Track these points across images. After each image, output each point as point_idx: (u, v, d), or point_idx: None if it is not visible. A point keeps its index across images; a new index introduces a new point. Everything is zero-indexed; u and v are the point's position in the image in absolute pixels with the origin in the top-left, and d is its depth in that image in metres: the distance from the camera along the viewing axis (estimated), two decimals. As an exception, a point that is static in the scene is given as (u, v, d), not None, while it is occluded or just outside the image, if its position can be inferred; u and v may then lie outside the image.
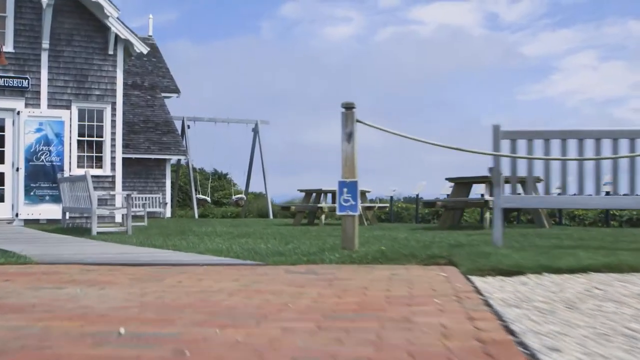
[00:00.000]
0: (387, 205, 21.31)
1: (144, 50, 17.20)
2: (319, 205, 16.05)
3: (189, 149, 26.78)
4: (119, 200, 16.48)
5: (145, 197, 25.31)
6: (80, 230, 11.31)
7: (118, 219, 16.71)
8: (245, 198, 30.94)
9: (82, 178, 10.78)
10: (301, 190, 17.40)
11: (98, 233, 10.57)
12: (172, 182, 26.91)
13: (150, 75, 27.78)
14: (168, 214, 25.79)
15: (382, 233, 10.42)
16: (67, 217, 12.91)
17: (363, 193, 17.43)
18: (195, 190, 29.21)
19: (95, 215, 10.67)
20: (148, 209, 25.02)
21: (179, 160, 27.53)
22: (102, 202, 16.68)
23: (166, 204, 25.55)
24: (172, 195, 26.87)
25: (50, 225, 13.99)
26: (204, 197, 29.66)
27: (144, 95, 26.53)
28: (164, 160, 25.71)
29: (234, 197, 30.41)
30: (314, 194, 16.87)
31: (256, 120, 30.75)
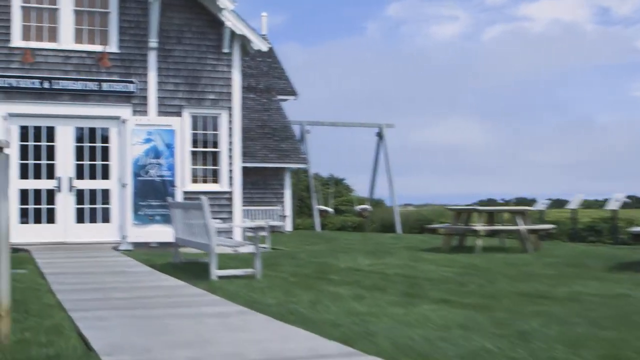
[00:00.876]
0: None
1: (264, 47, 15.36)
2: (474, 227, 13.62)
3: (308, 156, 24.89)
4: (237, 233, 14.65)
5: (264, 211, 23.66)
6: (196, 270, 9.46)
7: (235, 233, 14.91)
8: (369, 209, 28.80)
9: (198, 206, 8.88)
10: (450, 209, 15.03)
11: (219, 277, 8.65)
12: (292, 193, 25.13)
13: (266, 77, 26.16)
14: (288, 227, 24.02)
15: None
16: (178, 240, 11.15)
17: (522, 212, 14.82)
18: (316, 200, 27.33)
19: (215, 255, 8.74)
20: (268, 222, 23.34)
21: (297, 168, 25.71)
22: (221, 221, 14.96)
23: (286, 216, 23.78)
24: (292, 207, 25.08)
25: (161, 255, 12.32)
26: (325, 207, 27.76)
27: (259, 98, 24.93)
28: (283, 169, 24.00)
29: (357, 207, 28.36)
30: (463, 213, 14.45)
31: (381, 124, 28.60)
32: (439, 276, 9.90)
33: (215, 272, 8.71)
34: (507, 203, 33.59)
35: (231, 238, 14.91)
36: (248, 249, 9.11)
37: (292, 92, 26.26)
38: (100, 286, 7.93)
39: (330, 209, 28.68)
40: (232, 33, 15.11)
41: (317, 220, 26.53)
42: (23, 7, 14.07)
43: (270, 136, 23.86)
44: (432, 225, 18.71)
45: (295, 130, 25.35)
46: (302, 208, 32.25)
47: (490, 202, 36.40)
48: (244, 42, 15.36)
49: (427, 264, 11.60)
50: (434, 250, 14.70)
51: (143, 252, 13.48)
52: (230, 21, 14.95)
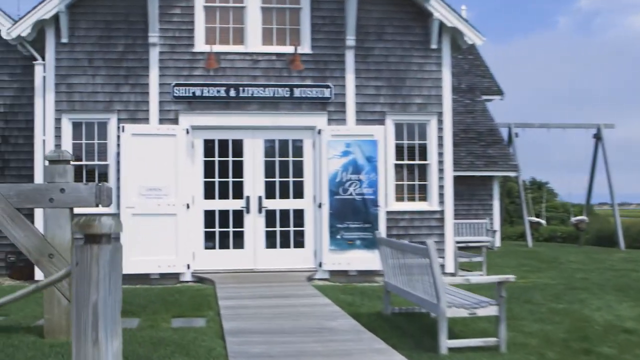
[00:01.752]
0: None
1: (479, 41, 12.92)
2: None
3: (518, 163, 21.98)
4: (449, 260, 12.35)
5: (470, 224, 21.13)
6: (415, 330, 7.29)
7: (447, 260, 12.65)
8: (586, 220, 25.24)
9: (420, 251, 6.64)
10: None
11: (450, 350, 6.41)
12: (502, 204, 22.35)
13: (468, 76, 23.59)
14: (497, 242, 21.29)
15: None
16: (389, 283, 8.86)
17: None
18: (527, 211, 24.29)
19: (445, 320, 6.49)
20: (473, 238, 20.85)
21: (505, 177, 22.84)
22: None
23: (495, 231, 21.07)
24: (500, 220, 22.30)
25: (365, 293, 10.31)
26: (537, 219, 24.65)
27: (461, 99, 22.41)
28: (491, 177, 21.31)
29: (573, 218, 24.91)
30: None
31: (598, 125, 24.96)
32: None
33: (446, 343, 6.49)
34: None
35: (442, 258, 12.64)
36: (489, 310, 6.76)
37: (498, 92, 23.48)
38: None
39: (542, 221, 25.48)
40: (441, 26, 12.84)
41: (528, 234, 23.50)
42: (206, 8, 12.73)
43: (475, 141, 21.28)
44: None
45: (502, 134, 22.53)
46: (505, 217, 29.24)
47: None
48: (455, 35, 13.03)
49: None
50: None
51: (342, 285, 11.59)
52: (439, 12, 12.69)
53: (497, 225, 21.53)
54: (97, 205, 7.27)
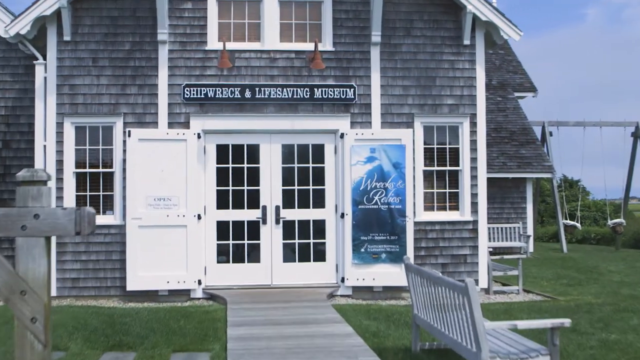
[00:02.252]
0: None
1: (516, 35, 11.88)
2: None
3: (552, 163, 20.83)
4: (482, 273, 11.38)
5: (502, 229, 20.09)
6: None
7: (481, 273, 11.68)
8: (624, 223, 24.02)
9: (459, 290, 5.62)
10: None
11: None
12: (536, 207, 21.25)
13: (499, 71, 22.48)
14: (530, 247, 20.21)
15: None
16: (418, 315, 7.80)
17: None
18: (562, 214, 23.13)
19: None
20: (505, 244, 19.79)
21: (537, 179, 21.69)
22: (457, 260, 11.90)
23: (528, 236, 19.99)
24: (533, 223, 21.20)
25: (391, 317, 9.35)
26: (572, 222, 23.48)
27: (492, 96, 21.34)
28: (524, 179, 20.24)
29: (610, 221, 23.70)
30: None
31: (637, 122, 23.73)
32: None
33: (489, 396, 5.50)
34: None
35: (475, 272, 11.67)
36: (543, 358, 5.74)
37: (531, 88, 22.34)
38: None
39: (577, 224, 24.30)
40: (475, 20, 11.81)
41: (563, 239, 22.34)
42: (220, 2, 11.81)
43: (507, 141, 20.20)
44: None
45: (535, 133, 21.40)
46: (535, 216, 28.06)
47: None
48: (489, 30, 12.00)
49: None
50: None
51: (366, 305, 10.64)
52: (472, 4, 11.66)
53: (530, 229, 20.43)
54: (77, 234, 6.33)
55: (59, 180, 11.41)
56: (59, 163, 11.43)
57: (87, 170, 11.50)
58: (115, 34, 11.58)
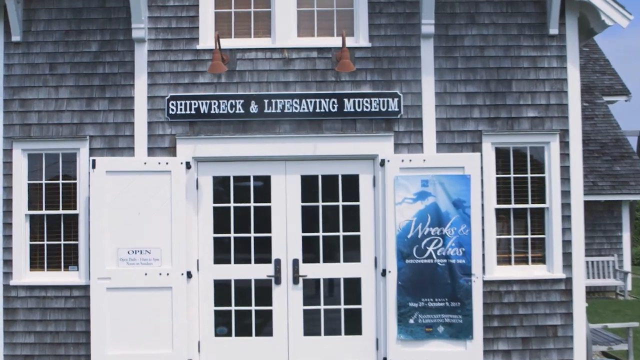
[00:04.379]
0: None
1: (623, 20, 8.77)
2: None
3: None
4: (579, 347, 8.36)
5: (593, 263, 16.86)
6: None
7: (577, 347, 8.70)
8: None
9: None
10: None
11: None
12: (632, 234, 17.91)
13: (584, 72, 19.16)
14: (628, 286, 16.91)
15: None
16: None
17: None
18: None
19: None
20: (596, 282, 16.57)
21: (633, 202, 18.27)
22: (544, 333, 8.89)
23: (626, 273, 16.71)
24: (631, 256, 17.89)
25: None
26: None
27: (576, 100, 18.02)
28: (618, 202, 16.96)
29: None
30: None
31: None
32: None
33: None
34: None
35: (570, 349, 8.67)
36: None
37: (623, 91, 18.98)
38: None
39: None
40: (564, 1, 8.80)
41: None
42: (217, -16, 9.12)
43: (598, 155, 16.95)
44: None
45: (631, 144, 18.07)
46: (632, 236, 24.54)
47: None
48: (585, 14, 8.95)
49: None
50: None
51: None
52: (562, -23, 8.66)
53: (627, 263, 17.10)
54: None
55: (7, 226, 8.78)
56: (7, 203, 8.78)
57: (44, 212, 8.87)
58: (78, 32, 8.88)
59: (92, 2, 8.93)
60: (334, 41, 8.87)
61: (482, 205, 8.69)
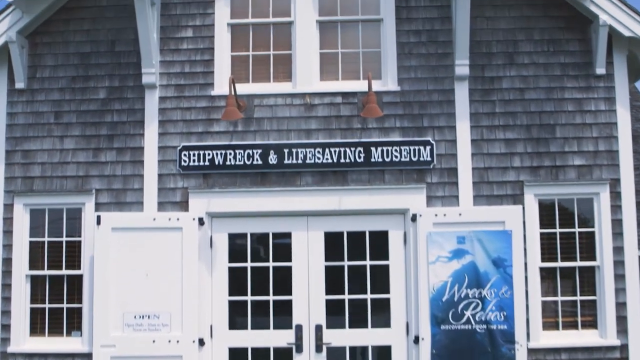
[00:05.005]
0: None
1: (677, 55, 8.06)
2: None
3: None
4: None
5: None
6: None
7: None
8: None
9: None
10: None
11: None
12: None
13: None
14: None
15: None
16: None
17: None
18: None
19: None
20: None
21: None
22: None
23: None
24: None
25: None
26: None
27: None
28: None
29: None
30: None
31: None
32: None
33: None
34: None
35: None
36: None
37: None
38: None
39: None
40: (612, 36, 8.10)
41: None
42: (233, 27, 8.49)
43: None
44: None
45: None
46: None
47: None
48: (635, 52, 8.26)
49: None
50: None
51: None
52: (608, 12, 7.95)
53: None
54: None
55: (6, 287, 8.13)
56: (6, 262, 8.14)
57: (46, 272, 8.21)
58: (86, 78, 8.35)
59: (101, 47, 8.43)
60: (360, 85, 8.23)
61: (525, 263, 7.87)
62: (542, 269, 8.05)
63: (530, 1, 8.34)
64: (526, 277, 7.85)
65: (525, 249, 7.88)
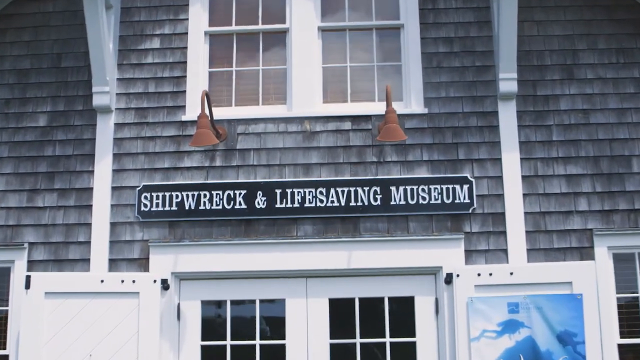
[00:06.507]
0: None
1: None
2: None
3: None
4: None
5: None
6: None
7: None
8: None
9: None
10: None
11: None
12: None
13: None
14: None
15: None
16: None
17: None
18: None
19: None
20: None
21: None
22: None
23: None
24: None
25: None
26: None
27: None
28: None
29: None
30: None
31: None
32: None
33: None
34: None
35: None
36: None
37: None
38: None
39: None
40: (695, 45, 6.46)
41: None
42: (212, 36, 6.89)
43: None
44: None
45: None
46: None
47: None
48: None
49: None
50: None
51: None
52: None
53: None
54: None
55: None
56: None
57: (-38, 353, 6.39)
58: (23, 101, 6.67)
59: (44, 62, 6.78)
60: (375, 107, 6.54)
61: (601, 338, 5.98)
62: (621, 347, 6.14)
63: (591, 2, 6.72)
64: (602, 355, 5.96)
65: (599, 319, 5.98)
